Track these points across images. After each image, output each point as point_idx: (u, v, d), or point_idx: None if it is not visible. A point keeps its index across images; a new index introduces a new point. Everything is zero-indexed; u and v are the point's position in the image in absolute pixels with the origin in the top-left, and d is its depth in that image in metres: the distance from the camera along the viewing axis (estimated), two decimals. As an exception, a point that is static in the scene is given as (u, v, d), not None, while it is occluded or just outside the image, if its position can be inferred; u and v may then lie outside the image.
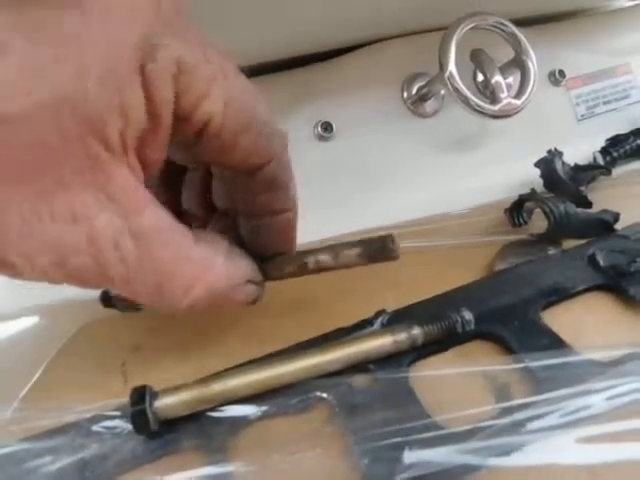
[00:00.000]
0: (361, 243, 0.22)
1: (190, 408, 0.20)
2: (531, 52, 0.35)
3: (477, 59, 0.34)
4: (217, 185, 0.21)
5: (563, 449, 0.18)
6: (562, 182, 0.30)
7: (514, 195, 0.31)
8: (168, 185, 0.22)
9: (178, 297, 0.17)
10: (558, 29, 0.44)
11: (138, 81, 0.14)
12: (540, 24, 0.44)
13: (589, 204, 0.28)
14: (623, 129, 0.40)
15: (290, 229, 0.21)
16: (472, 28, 0.33)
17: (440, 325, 0.21)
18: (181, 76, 0.15)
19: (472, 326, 0.21)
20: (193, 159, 0.20)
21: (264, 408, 0.20)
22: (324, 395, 0.21)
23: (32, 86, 0.13)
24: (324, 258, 0.22)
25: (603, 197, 0.32)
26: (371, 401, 0.20)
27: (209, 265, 0.18)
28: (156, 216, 0.16)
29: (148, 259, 0.16)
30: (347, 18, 0.33)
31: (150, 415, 0.19)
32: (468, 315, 0.21)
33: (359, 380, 0.21)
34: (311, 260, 0.22)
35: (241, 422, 0.20)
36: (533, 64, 0.35)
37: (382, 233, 0.22)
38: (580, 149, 0.38)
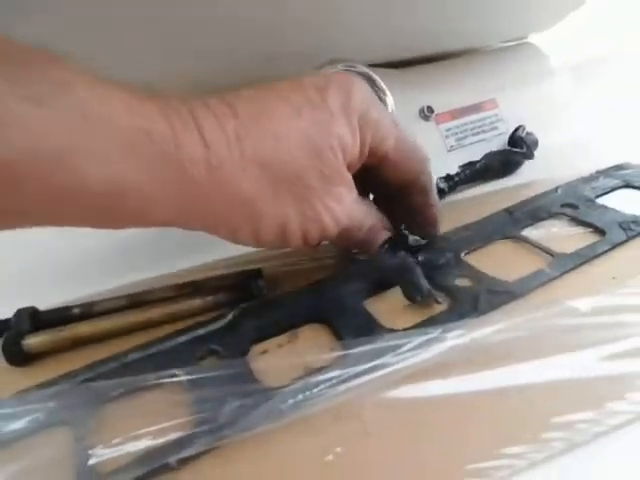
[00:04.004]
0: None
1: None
2: (387, 90, 0.43)
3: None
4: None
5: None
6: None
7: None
8: None
9: (364, 226, 0.30)
10: (428, 70, 0.54)
11: (358, 131, 0.27)
12: (411, 66, 0.53)
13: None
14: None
15: (435, 219, 0.33)
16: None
17: (239, 291, 0.29)
18: (375, 129, 0.28)
19: (264, 291, 0.31)
20: (377, 179, 0.31)
21: (127, 385, 0.26)
22: (176, 372, 0.26)
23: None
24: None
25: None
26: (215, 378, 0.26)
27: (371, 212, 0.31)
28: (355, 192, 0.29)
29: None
30: (205, 64, 0.41)
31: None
32: (261, 283, 0.30)
33: (208, 360, 0.28)
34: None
35: (104, 399, 0.26)
36: (390, 101, 0.43)
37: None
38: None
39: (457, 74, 0.55)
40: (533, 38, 0.62)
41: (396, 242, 0.32)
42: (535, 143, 0.49)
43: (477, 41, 0.58)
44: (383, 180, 0.31)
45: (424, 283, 0.30)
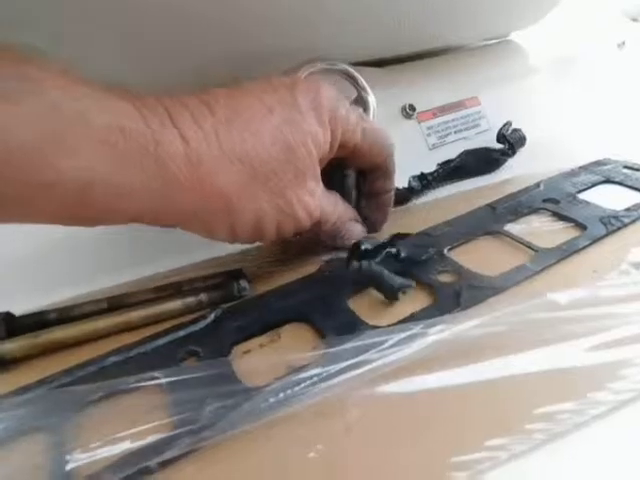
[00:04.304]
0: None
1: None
2: (368, 88, 0.43)
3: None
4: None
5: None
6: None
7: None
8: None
9: (332, 218, 0.32)
10: (410, 68, 0.54)
11: (329, 128, 0.29)
12: (394, 64, 0.53)
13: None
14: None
15: (390, 202, 0.37)
16: (310, 73, 0.41)
17: (221, 291, 0.28)
18: (345, 125, 0.30)
19: (247, 292, 0.30)
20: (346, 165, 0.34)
21: (105, 388, 0.26)
22: (156, 374, 0.26)
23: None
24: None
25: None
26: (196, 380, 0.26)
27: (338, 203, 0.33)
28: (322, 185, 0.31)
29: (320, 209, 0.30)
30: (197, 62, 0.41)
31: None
32: (244, 283, 0.30)
33: (189, 362, 0.27)
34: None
35: (82, 403, 0.25)
36: (372, 99, 0.43)
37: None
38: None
39: (439, 72, 0.55)
40: (515, 36, 0.63)
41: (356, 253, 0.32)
42: (522, 140, 0.50)
43: (459, 39, 0.59)
44: (350, 167, 0.34)
45: (395, 281, 0.30)
